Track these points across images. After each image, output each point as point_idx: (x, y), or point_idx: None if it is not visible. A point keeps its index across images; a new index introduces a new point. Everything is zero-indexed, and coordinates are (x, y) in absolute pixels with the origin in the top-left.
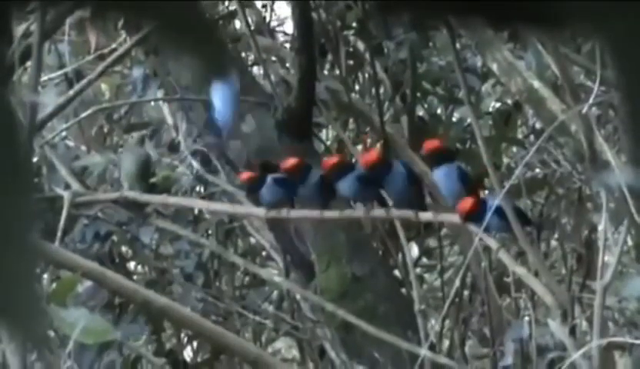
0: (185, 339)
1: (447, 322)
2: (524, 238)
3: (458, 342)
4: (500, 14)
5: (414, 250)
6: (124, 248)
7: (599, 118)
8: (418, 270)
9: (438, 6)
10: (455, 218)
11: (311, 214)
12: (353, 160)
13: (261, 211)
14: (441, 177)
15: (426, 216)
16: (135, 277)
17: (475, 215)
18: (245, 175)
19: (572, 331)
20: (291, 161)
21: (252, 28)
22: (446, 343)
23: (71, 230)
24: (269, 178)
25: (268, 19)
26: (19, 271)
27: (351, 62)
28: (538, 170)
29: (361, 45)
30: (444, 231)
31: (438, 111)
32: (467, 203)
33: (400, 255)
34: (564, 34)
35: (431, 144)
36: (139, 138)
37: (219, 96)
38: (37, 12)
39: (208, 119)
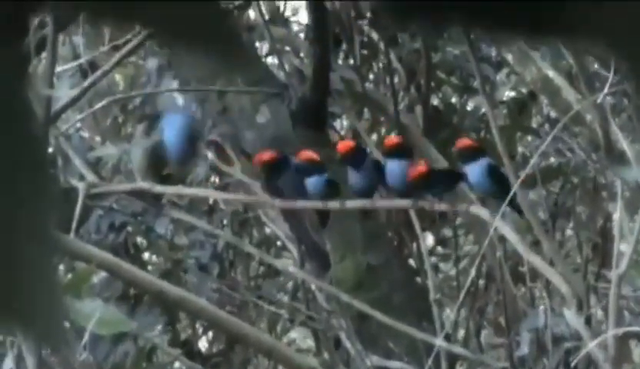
0: (201, 329)
1: (462, 311)
2: (539, 227)
3: (474, 331)
4: (520, 27)
5: (429, 239)
6: (139, 239)
7: (614, 107)
8: (433, 259)
9: (452, 17)
10: (468, 207)
11: (326, 206)
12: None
13: (276, 202)
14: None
15: (441, 205)
16: (149, 267)
17: (468, 153)
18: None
19: (588, 321)
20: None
21: (266, 17)
22: (461, 332)
23: (86, 221)
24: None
25: (282, 9)
26: (39, 270)
27: (365, 52)
28: (552, 159)
29: (375, 35)
30: (459, 220)
31: (453, 100)
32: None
33: (415, 245)
34: (582, 44)
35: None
36: (147, 129)
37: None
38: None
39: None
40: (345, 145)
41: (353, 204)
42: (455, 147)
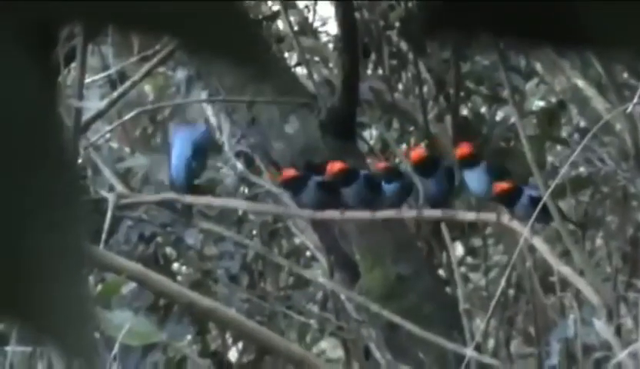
0: (230, 340)
1: (492, 321)
2: (569, 237)
3: (504, 341)
4: (549, 37)
5: (458, 249)
6: (168, 250)
7: None
8: (463, 269)
9: (480, 28)
10: (493, 217)
11: (358, 216)
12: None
13: (305, 212)
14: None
15: (469, 216)
16: (179, 278)
17: (508, 196)
18: (288, 174)
19: (618, 330)
20: (336, 166)
21: (295, 28)
22: (491, 342)
23: (116, 232)
24: (312, 181)
25: (311, 19)
26: (70, 281)
27: (394, 62)
28: (582, 168)
29: (404, 45)
30: (488, 230)
31: (482, 110)
32: (502, 185)
33: (444, 255)
34: (610, 54)
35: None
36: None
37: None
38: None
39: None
40: (417, 153)
41: (382, 214)
42: (495, 192)
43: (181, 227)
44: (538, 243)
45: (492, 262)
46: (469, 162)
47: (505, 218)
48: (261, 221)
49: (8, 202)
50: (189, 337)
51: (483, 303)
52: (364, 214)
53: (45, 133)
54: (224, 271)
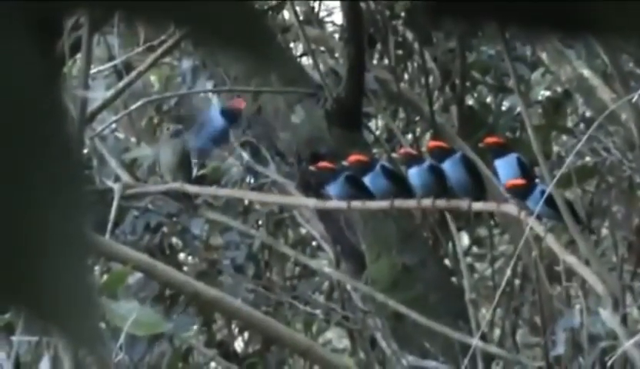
0: (236, 330)
1: (498, 311)
2: (574, 227)
3: (509, 331)
4: (554, 24)
5: (464, 239)
6: (174, 240)
7: None
8: (469, 259)
9: (487, 15)
10: (509, 208)
11: (363, 205)
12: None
13: (311, 202)
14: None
15: (479, 206)
16: (185, 268)
17: (520, 191)
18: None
19: (624, 320)
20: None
21: (301, 18)
22: (497, 332)
23: (122, 222)
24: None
25: (316, 9)
26: (74, 271)
27: (400, 52)
28: (588, 158)
29: (410, 35)
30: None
31: (488, 100)
32: (516, 179)
33: (450, 244)
34: (615, 41)
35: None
36: (175, 131)
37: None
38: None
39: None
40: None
41: (373, 204)
42: (507, 187)
43: (187, 217)
44: (542, 230)
45: (498, 252)
46: (499, 151)
47: (506, 207)
48: (267, 211)
49: (13, 192)
50: (195, 327)
51: (489, 293)
52: (383, 204)
53: (50, 123)
54: (230, 261)
